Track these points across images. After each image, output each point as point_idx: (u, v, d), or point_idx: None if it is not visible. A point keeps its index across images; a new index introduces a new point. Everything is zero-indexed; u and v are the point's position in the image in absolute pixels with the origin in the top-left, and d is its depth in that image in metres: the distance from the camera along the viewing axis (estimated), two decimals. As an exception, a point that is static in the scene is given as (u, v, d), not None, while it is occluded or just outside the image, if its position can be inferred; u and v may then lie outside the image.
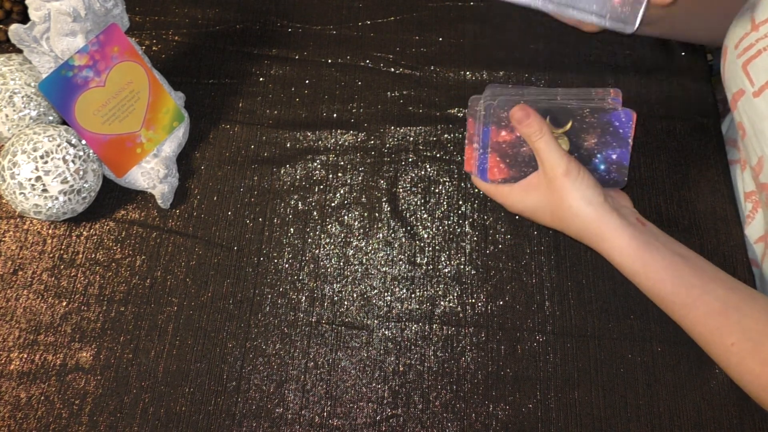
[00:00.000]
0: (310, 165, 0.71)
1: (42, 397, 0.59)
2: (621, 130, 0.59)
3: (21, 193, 0.62)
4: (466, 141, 0.65)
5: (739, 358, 0.54)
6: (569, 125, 0.60)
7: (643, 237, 0.56)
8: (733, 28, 0.63)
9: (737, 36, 0.61)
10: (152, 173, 0.67)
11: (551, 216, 0.59)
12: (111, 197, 0.69)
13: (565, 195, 0.57)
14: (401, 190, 0.70)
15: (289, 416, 0.59)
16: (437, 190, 0.70)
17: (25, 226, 0.67)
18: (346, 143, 0.72)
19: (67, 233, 0.67)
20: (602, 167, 0.61)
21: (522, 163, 0.61)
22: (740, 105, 0.62)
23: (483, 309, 0.64)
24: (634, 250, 0.56)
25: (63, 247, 0.66)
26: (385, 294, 0.65)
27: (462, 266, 0.66)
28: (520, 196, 0.61)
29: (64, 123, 0.67)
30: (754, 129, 0.60)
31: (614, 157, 0.60)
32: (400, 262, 0.66)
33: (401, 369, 0.62)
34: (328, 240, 0.67)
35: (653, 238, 0.57)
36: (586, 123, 0.59)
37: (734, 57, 0.62)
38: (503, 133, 0.60)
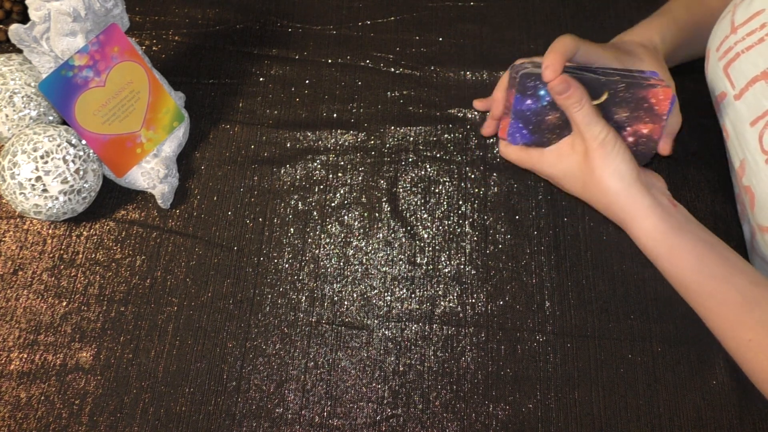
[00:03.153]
0: (310, 165, 0.71)
1: (42, 397, 0.59)
2: (657, 107, 0.58)
3: (21, 193, 0.62)
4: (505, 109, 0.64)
5: (754, 354, 0.53)
6: (604, 97, 0.59)
7: (672, 220, 0.55)
8: (715, 31, 0.63)
9: (719, 39, 0.62)
10: (152, 173, 0.67)
11: (582, 185, 0.58)
12: (111, 197, 0.69)
13: (598, 166, 0.56)
14: (401, 190, 0.70)
15: (289, 416, 0.59)
16: (437, 190, 0.70)
17: (25, 226, 0.67)
18: (346, 143, 0.72)
19: (67, 233, 0.67)
20: (630, 139, 0.60)
21: (545, 130, 0.61)
22: (722, 108, 0.62)
23: (483, 309, 0.64)
24: (661, 233, 0.55)
25: (63, 247, 0.66)
26: (385, 294, 0.65)
27: (462, 266, 0.66)
28: (553, 160, 0.60)
29: (64, 123, 0.67)
30: (736, 132, 0.60)
31: (645, 131, 0.60)
32: (400, 262, 0.66)
33: (401, 369, 0.62)
34: (328, 240, 0.67)
35: (683, 222, 0.55)
36: (619, 97, 0.58)
37: (716, 59, 0.62)
38: (528, 101, 0.59)
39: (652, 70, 0.61)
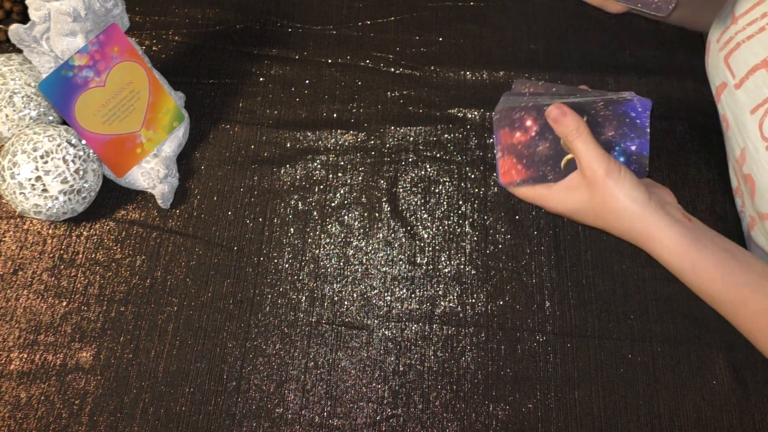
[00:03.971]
0: (310, 165, 0.71)
1: (42, 397, 0.59)
2: (638, 120, 0.58)
3: (21, 193, 0.62)
4: (499, 154, 0.64)
5: None
6: (585, 118, 0.59)
7: (692, 234, 0.55)
8: (716, 23, 0.64)
9: (719, 30, 0.62)
10: (152, 173, 0.67)
11: (594, 216, 0.58)
12: (111, 197, 0.69)
13: (609, 195, 0.56)
14: (401, 190, 0.70)
15: (289, 416, 0.59)
16: (437, 190, 0.70)
17: (25, 226, 0.67)
18: (346, 143, 0.72)
19: (67, 233, 0.67)
20: (622, 159, 0.60)
21: (539, 162, 0.60)
22: (723, 98, 0.63)
23: (483, 309, 0.64)
24: (684, 249, 0.55)
25: (63, 247, 0.66)
26: (385, 294, 0.65)
27: (462, 266, 0.66)
28: (560, 197, 0.60)
29: (64, 123, 0.67)
30: (736, 121, 0.61)
31: (633, 148, 0.59)
32: (400, 262, 0.66)
33: (401, 369, 0.62)
34: (328, 240, 0.67)
35: (701, 235, 0.56)
36: (602, 116, 0.58)
37: (716, 50, 0.62)
38: (517, 134, 0.60)
39: (629, 92, 0.61)
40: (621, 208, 0.56)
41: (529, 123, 0.59)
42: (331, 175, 0.71)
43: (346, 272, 0.66)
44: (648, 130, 0.59)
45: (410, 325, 0.63)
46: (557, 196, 0.60)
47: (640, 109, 0.58)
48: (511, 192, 0.64)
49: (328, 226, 0.68)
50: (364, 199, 0.69)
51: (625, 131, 0.59)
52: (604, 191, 0.56)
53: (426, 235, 0.68)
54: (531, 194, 0.62)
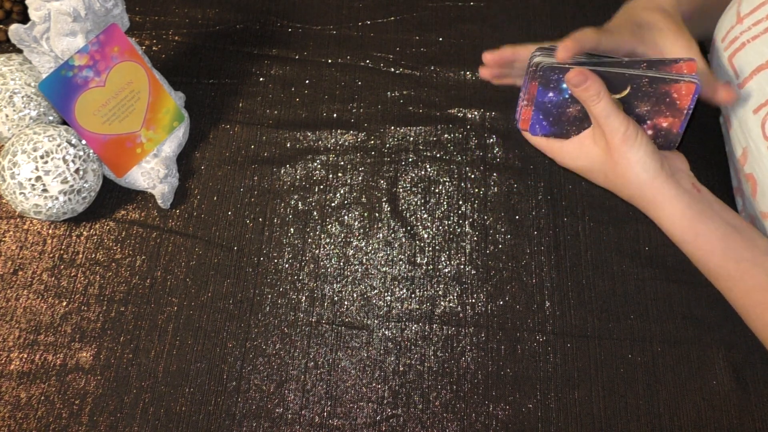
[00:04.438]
0: (310, 165, 0.71)
1: (42, 397, 0.59)
2: (678, 102, 0.58)
3: (21, 193, 0.62)
4: (524, 102, 0.62)
5: None
6: (626, 91, 0.58)
7: (698, 206, 0.55)
8: (721, 22, 0.64)
9: (724, 29, 0.62)
10: (152, 173, 0.67)
11: (604, 177, 0.58)
12: (111, 197, 0.69)
13: (621, 160, 0.56)
14: (401, 190, 0.70)
15: (289, 416, 0.59)
16: (437, 190, 0.70)
17: (25, 226, 0.67)
18: (346, 143, 0.72)
19: (67, 233, 0.67)
20: (650, 132, 0.60)
21: (566, 122, 0.60)
22: None
23: (483, 309, 0.64)
24: (688, 220, 0.55)
25: (63, 247, 0.66)
26: (385, 294, 0.65)
27: (462, 266, 0.66)
28: (573, 154, 0.60)
29: (64, 123, 0.67)
30: (739, 121, 0.61)
31: (665, 125, 0.59)
32: (400, 262, 0.66)
33: (401, 369, 0.62)
34: (328, 240, 0.67)
35: (707, 207, 0.56)
36: (642, 91, 0.58)
37: (721, 50, 0.62)
38: (550, 94, 0.59)
39: (689, 57, 0.59)
40: (632, 174, 0.56)
41: (564, 86, 0.58)
42: (331, 175, 0.71)
43: (346, 272, 0.66)
44: (685, 111, 0.58)
45: (410, 325, 0.63)
46: (571, 152, 0.60)
47: (683, 92, 0.57)
48: (525, 136, 0.63)
49: (328, 226, 0.68)
50: (364, 199, 0.69)
51: (662, 108, 0.58)
52: (618, 155, 0.56)
53: (426, 235, 0.68)
54: (544, 145, 0.62)
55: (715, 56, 0.64)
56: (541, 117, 0.61)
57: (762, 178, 0.58)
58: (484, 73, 0.67)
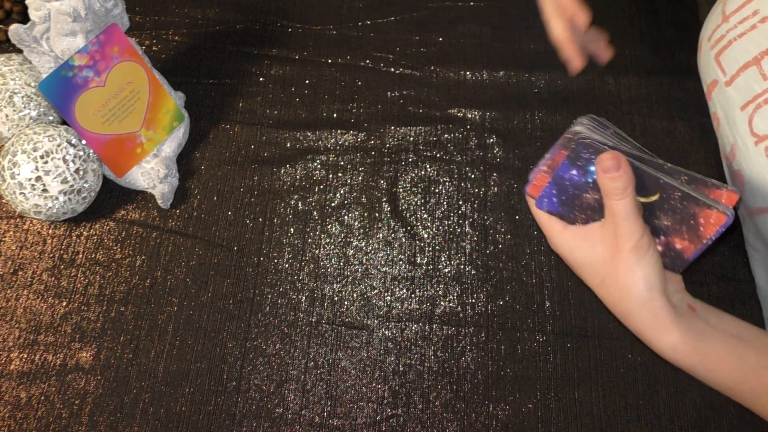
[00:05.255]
0: (310, 165, 0.71)
1: (42, 397, 0.59)
2: (702, 228, 0.51)
3: (21, 193, 0.62)
4: (543, 168, 0.56)
5: None
6: (655, 198, 0.52)
7: (697, 326, 0.50)
8: (707, 21, 0.64)
9: (710, 28, 0.63)
10: (152, 173, 0.67)
11: (600, 282, 0.52)
12: (111, 197, 0.69)
13: (624, 269, 0.49)
14: (401, 190, 0.70)
15: (289, 416, 0.59)
16: (437, 190, 0.70)
17: (25, 226, 0.67)
18: (346, 143, 0.72)
19: (67, 233, 0.67)
20: (660, 249, 0.53)
21: (577, 207, 0.54)
22: (714, 95, 0.63)
23: (483, 309, 0.64)
24: (691, 345, 0.50)
25: (63, 247, 0.66)
26: (385, 294, 0.65)
27: (462, 266, 0.66)
28: (574, 243, 0.53)
29: (64, 123, 0.67)
30: (727, 118, 0.61)
31: (678, 246, 0.53)
32: (400, 262, 0.66)
33: (401, 369, 0.62)
34: (328, 240, 0.67)
35: (705, 325, 0.50)
36: (669, 204, 0.52)
37: (708, 49, 0.63)
38: (573, 171, 0.53)
39: (734, 186, 0.54)
40: (634, 288, 0.49)
41: (592, 168, 0.52)
42: (331, 175, 0.71)
43: (346, 272, 0.66)
44: (705, 241, 0.51)
45: (410, 325, 0.63)
46: (571, 240, 0.53)
47: (712, 221, 0.50)
48: (528, 203, 0.57)
49: (328, 226, 0.68)
50: (364, 199, 0.69)
51: (683, 228, 0.52)
52: (623, 263, 0.50)
53: (426, 235, 0.68)
54: (545, 221, 0.55)
55: (702, 56, 0.64)
56: (554, 192, 0.54)
57: (750, 174, 0.58)
58: (576, 64, 0.66)
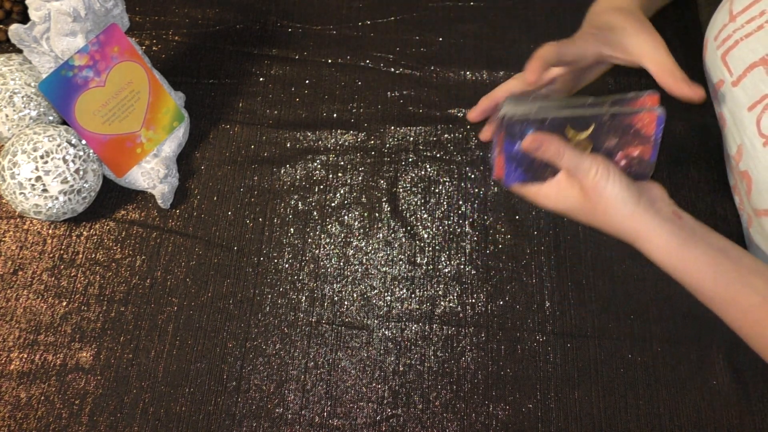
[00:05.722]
0: (310, 165, 0.71)
1: (42, 397, 0.59)
2: (643, 130, 0.59)
3: (21, 193, 0.62)
4: (496, 152, 0.63)
5: None
6: (590, 129, 0.59)
7: (682, 233, 0.55)
8: (713, 20, 0.64)
9: (717, 28, 0.63)
10: (152, 173, 0.67)
11: (587, 217, 0.59)
12: (111, 197, 0.69)
13: (598, 198, 0.56)
14: (401, 190, 0.70)
15: (289, 416, 0.59)
16: (437, 190, 0.70)
17: (25, 226, 0.67)
18: (346, 143, 0.72)
19: (67, 233, 0.67)
20: (623, 162, 0.60)
21: (538, 168, 0.60)
22: (720, 95, 0.63)
23: (483, 309, 0.64)
24: (674, 248, 0.55)
25: (63, 247, 0.66)
26: (385, 294, 0.65)
27: (462, 266, 0.66)
28: (552, 198, 0.60)
29: (64, 123, 0.67)
30: (734, 118, 0.61)
31: (635, 153, 0.60)
32: (400, 262, 0.66)
33: (401, 369, 0.62)
34: (328, 240, 0.67)
35: (691, 233, 0.56)
36: (606, 127, 0.59)
37: (714, 48, 0.63)
38: (517, 144, 0.60)
39: (651, 90, 0.59)
40: (612, 210, 0.56)
41: (530, 132, 0.59)
42: (331, 175, 0.71)
43: (346, 272, 0.66)
44: (652, 138, 0.58)
45: (410, 325, 0.63)
46: (549, 196, 0.60)
47: (647, 121, 0.58)
48: (505, 186, 0.63)
49: (328, 226, 0.68)
50: (364, 199, 0.69)
51: (629, 139, 0.59)
52: (594, 195, 0.56)
53: (426, 235, 0.68)
54: (523, 192, 0.62)
55: (708, 55, 0.64)
56: (514, 166, 0.61)
57: (757, 175, 0.58)
58: (473, 116, 0.68)
